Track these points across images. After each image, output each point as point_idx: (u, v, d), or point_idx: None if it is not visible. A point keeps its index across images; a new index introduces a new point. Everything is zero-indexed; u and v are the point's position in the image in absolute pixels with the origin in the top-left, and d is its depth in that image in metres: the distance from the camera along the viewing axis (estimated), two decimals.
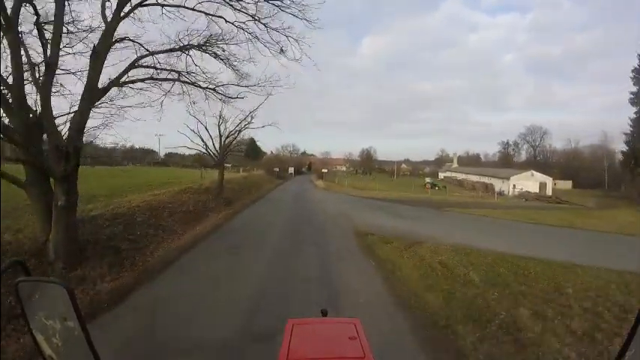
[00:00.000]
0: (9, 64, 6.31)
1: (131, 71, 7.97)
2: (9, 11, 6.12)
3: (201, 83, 9.44)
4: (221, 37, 8.74)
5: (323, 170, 55.94)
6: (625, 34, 78.92)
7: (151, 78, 8.53)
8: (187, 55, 8.83)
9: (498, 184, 44.11)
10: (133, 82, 8.19)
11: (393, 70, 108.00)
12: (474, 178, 52.53)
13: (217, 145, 20.08)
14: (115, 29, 7.20)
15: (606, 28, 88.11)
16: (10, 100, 6.35)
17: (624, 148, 38.90)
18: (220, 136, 20.13)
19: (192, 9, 8.09)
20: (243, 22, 8.47)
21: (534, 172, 43.85)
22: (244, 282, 6.48)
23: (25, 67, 6.77)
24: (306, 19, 8.07)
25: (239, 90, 10.36)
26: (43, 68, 6.60)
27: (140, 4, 7.63)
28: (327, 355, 1.97)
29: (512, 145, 72.81)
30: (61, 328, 1.15)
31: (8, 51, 6.20)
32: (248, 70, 17.36)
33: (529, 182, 43.00)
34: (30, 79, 6.93)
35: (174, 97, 9.51)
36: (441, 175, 69.05)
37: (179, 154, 72.23)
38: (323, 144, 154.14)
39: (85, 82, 6.94)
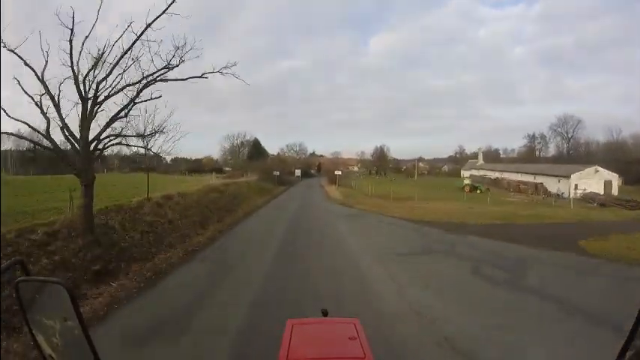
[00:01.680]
0: None
1: None
2: None
3: None
4: None
5: (336, 172, 47.23)
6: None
7: None
8: None
9: (551, 184, 40.27)
10: None
11: (402, 68, 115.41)
12: (513, 176, 49.83)
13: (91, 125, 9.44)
14: None
15: (618, 15, 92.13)
16: None
17: None
18: (84, 99, 9.13)
19: None
20: None
21: (599, 168, 39.23)
22: None
23: None
24: None
25: None
26: None
27: None
28: (327, 355, 2.12)
29: (539, 138, 71.42)
30: (61, 328, 1.26)
31: None
32: None
33: (591, 180, 38.01)
34: None
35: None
36: (466, 174, 68.13)
37: (184, 158, 75.76)
38: (332, 144, 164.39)
39: None
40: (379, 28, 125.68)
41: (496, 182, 49.23)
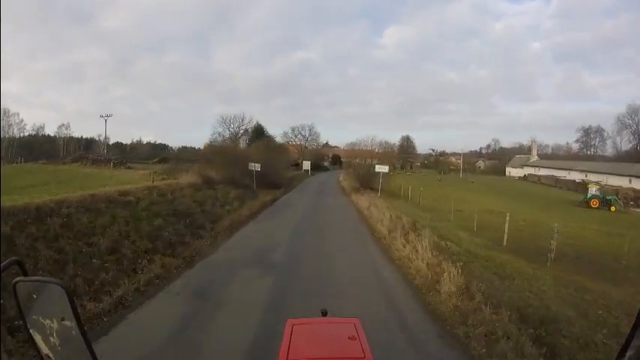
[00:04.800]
0: None
1: None
2: None
3: None
4: None
5: (379, 169, 30.44)
6: None
7: None
8: None
9: None
10: None
11: (416, 61, 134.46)
12: (615, 180, 43.79)
13: None
14: None
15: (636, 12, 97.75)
16: None
17: None
18: None
19: None
20: None
21: None
22: None
23: None
24: None
25: None
26: None
27: None
28: (327, 355, 2.46)
29: (594, 133, 74.82)
30: (59, 328, 1.49)
31: None
32: None
33: None
34: None
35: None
36: (515, 172, 68.02)
37: (193, 147, 76.84)
38: (344, 137, 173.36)
39: None
40: (392, 20, 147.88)
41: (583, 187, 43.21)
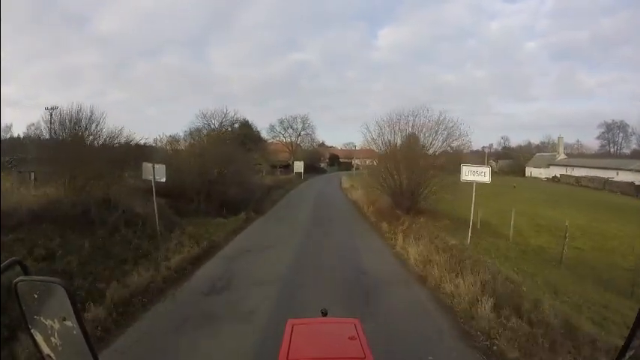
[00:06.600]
0: None
1: None
2: None
3: None
4: None
5: (470, 176, 16.36)
6: None
7: None
8: None
9: None
10: None
11: (412, 62, 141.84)
12: None
13: None
14: None
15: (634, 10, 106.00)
16: None
17: None
18: None
19: None
20: None
21: None
22: None
23: None
24: None
25: None
26: None
27: None
28: (327, 355, 2.60)
29: (617, 129, 74.98)
30: (60, 328, 1.61)
31: None
32: None
33: None
34: None
35: None
36: (544, 173, 66.30)
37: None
38: (344, 139, 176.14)
39: None
40: (389, 22, 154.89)
41: None
